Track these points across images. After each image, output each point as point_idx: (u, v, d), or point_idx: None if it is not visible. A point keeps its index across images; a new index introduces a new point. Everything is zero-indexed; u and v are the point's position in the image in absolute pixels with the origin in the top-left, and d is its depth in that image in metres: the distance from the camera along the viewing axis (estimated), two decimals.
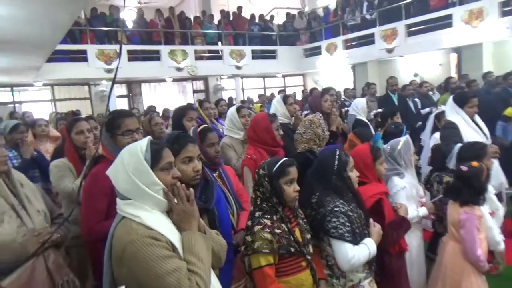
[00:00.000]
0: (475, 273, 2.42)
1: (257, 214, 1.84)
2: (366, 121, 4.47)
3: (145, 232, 1.36)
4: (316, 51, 13.62)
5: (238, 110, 3.40)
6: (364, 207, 2.09)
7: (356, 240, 1.95)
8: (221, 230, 2.03)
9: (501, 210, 2.88)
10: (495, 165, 3.40)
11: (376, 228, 2.06)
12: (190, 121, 3.21)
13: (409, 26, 10.27)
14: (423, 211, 2.75)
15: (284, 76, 15.70)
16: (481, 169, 2.45)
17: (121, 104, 12.12)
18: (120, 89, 12.78)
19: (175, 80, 13.37)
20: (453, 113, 3.60)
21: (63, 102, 11.95)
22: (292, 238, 1.82)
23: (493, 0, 8.32)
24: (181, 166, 1.83)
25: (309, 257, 1.86)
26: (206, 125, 2.49)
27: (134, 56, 11.26)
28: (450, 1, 9.45)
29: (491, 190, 2.84)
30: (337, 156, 2.07)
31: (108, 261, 1.45)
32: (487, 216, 2.72)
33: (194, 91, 14.09)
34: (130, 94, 13.04)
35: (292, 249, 1.80)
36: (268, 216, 1.82)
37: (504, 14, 8.24)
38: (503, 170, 3.65)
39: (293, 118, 3.74)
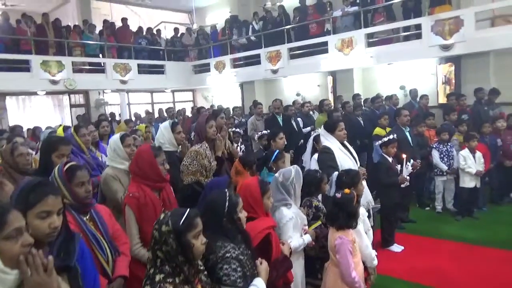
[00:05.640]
0: None
1: (158, 278, 1.59)
2: None
3: None
4: (205, 68, 13.67)
5: (122, 139, 3.14)
6: (252, 247, 2.06)
7: (247, 283, 1.90)
8: None
9: (370, 230, 3.17)
10: (364, 185, 3.76)
11: (263, 265, 2.04)
12: (61, 158, 2.79)
13: (291, 49, 10.99)
14: (308, 238, 2.88)
15: (173, 91, 15.38)
16: (352, 196, 2.69)
17: None
18: None
19: (49, 93, 12.00)
20: (326, 139, 3.92)
21: None
22: None
23: (361, 32, 9.41)
24: (35, 221, 1.55)
25: None
26: (73, 163, 2.20)
27: None
28: (326, 29, 10.42)
29: (364, 213, 3.13)
30: (227, 198, 2.00)
31: None
32: (364, 235, 2.98)
33: (72, 106, 12.79)
34: None
35: None
36: (171, 280, 1.59)
37: (369, 44, 9.38)
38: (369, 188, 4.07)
39: (180, 146, 3.61)
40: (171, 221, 1.64)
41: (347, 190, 2.70)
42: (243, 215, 2.05)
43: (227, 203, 1.98)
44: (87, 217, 2.18)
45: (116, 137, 3.17)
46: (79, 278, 1.73)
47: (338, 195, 2.68)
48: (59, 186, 2.09)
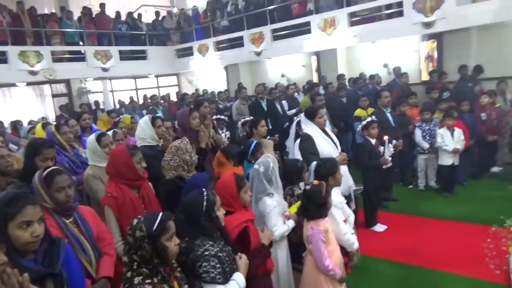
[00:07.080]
0: (328, 283, 2.67)
1: (136, 280, 1.65)
2: None
3: None
4: (188, 52, 13.48)
5: (99, 140, 3.12)
6: (231, 243, 2.11)
7: (226, 278, 1.97)
8: None
9: (352, 216, 3.24)
10: (344, 171, 3.83)
11: (242, 259, 2.11)
12: (45, 161, 2.80)
13: (274, 30, 10.87)
14: (291, 223, 2.96)
15: (157, 77, 15.18)
16: (321, 187, 2.72)
17: None
18: None
19: (29, 83, 11.72)
20: (307, 126, 3.95)
21: None
22: None
23: (343, 11, 9.34)
24: (16, 232, 1.61)
25: None
26: (53, 168, 2.21)
27: None
28: (309, 9, 10.30)
29: (343, 200, 3.19)
30: (205, 197, 2.05)
31: None
32: (341, 223, 3.05)
33: (54, 95, 12.46)
34: None
35: None
36: (149, 281, 1.66)
37: (352, 24, 9.33)
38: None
39: (162, 140, 3.61)
40: (145, 226, 1.69)
41: (316, 182, 2.75)
42: (221, 213, 2.10)
43: (204, 203, 2.03)
44: (71, 220, 2.21)
45: (92, 138, 3.15)
46: (64, 284, 1.77)
47: (308, 186, 2.74)
48: (39, 192, 2.11)
